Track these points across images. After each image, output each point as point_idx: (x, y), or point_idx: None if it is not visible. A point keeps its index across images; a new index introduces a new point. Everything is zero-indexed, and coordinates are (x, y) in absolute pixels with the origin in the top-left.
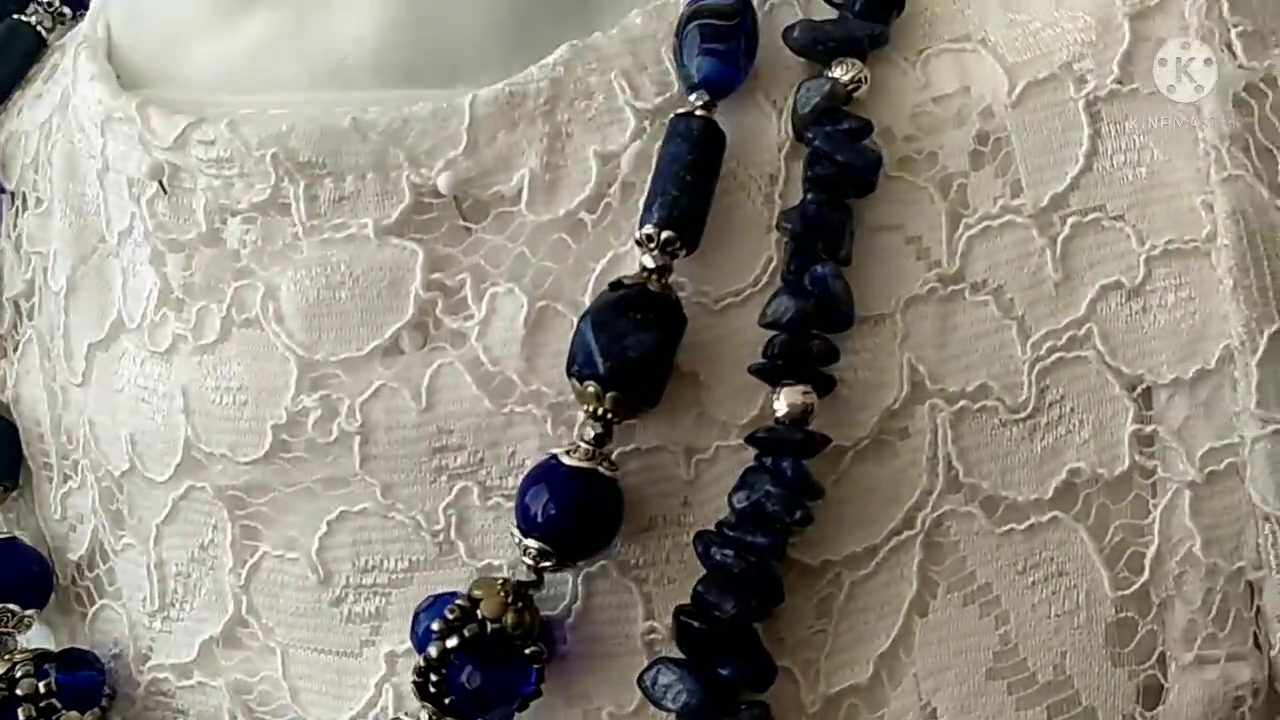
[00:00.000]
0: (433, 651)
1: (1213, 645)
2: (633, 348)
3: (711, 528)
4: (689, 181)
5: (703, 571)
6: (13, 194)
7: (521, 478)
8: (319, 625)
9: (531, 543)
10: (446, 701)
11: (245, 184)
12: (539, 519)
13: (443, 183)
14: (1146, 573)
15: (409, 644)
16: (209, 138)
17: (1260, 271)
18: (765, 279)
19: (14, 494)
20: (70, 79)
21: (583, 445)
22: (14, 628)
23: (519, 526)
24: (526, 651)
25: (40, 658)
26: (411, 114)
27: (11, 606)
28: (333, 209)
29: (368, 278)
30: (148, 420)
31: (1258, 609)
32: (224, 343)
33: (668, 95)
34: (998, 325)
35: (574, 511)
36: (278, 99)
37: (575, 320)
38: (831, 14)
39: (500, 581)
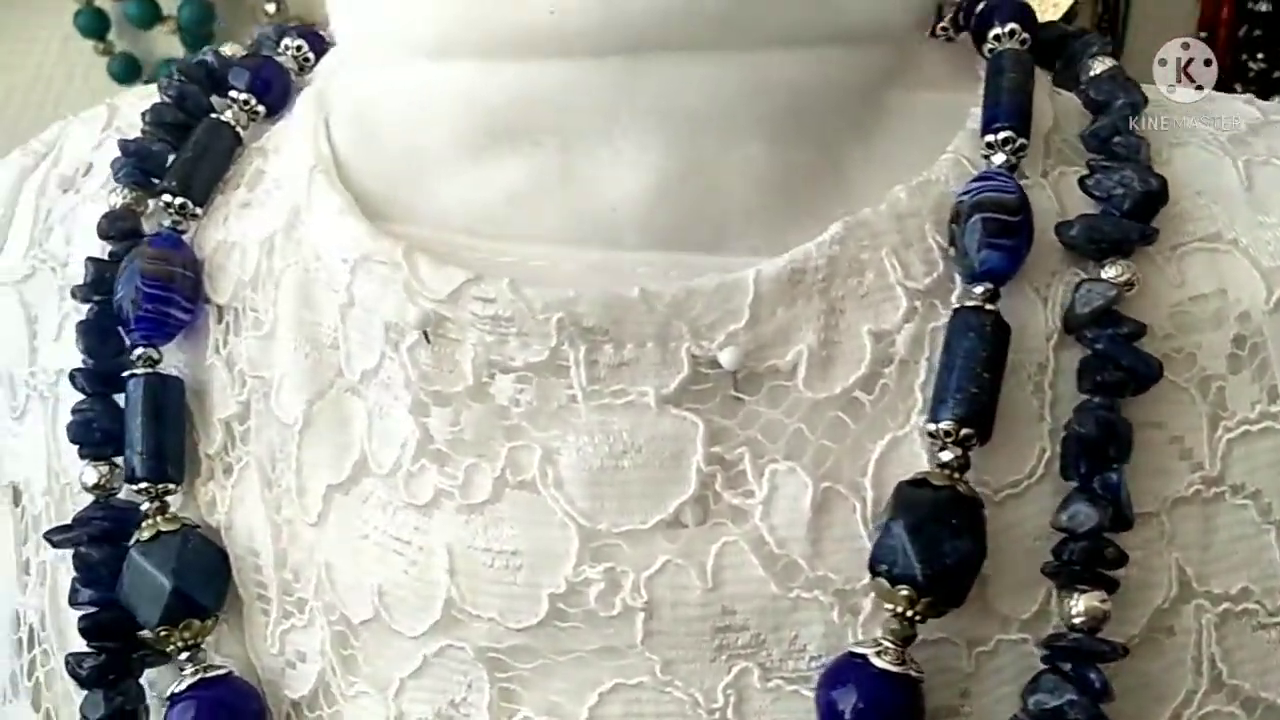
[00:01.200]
0: None
1: None
2: (950, 554)
3: None
4: (985, 378)
5: None
6: (220, 308)
7: (804, 662)
8: None
9: None
10: None
11: (521, 343)
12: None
13: (727, 357)
14: None
15: None
16: (488, 295)
17: None
18: (1041, 470)
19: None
20: (302, 201)
21: (890, 646)
22: None
23: None
24: None
25: None
26: (696, 286)
27: None
28: (611, 375)
29: (650, 448)
30: (401, 573)
31: None
32: (495, 503)
33: (934, 275)
34: (1257, 529)
35: (883, 714)
36: (538, 250)
37: (856, 503)
38: (1088, 203)
39: None
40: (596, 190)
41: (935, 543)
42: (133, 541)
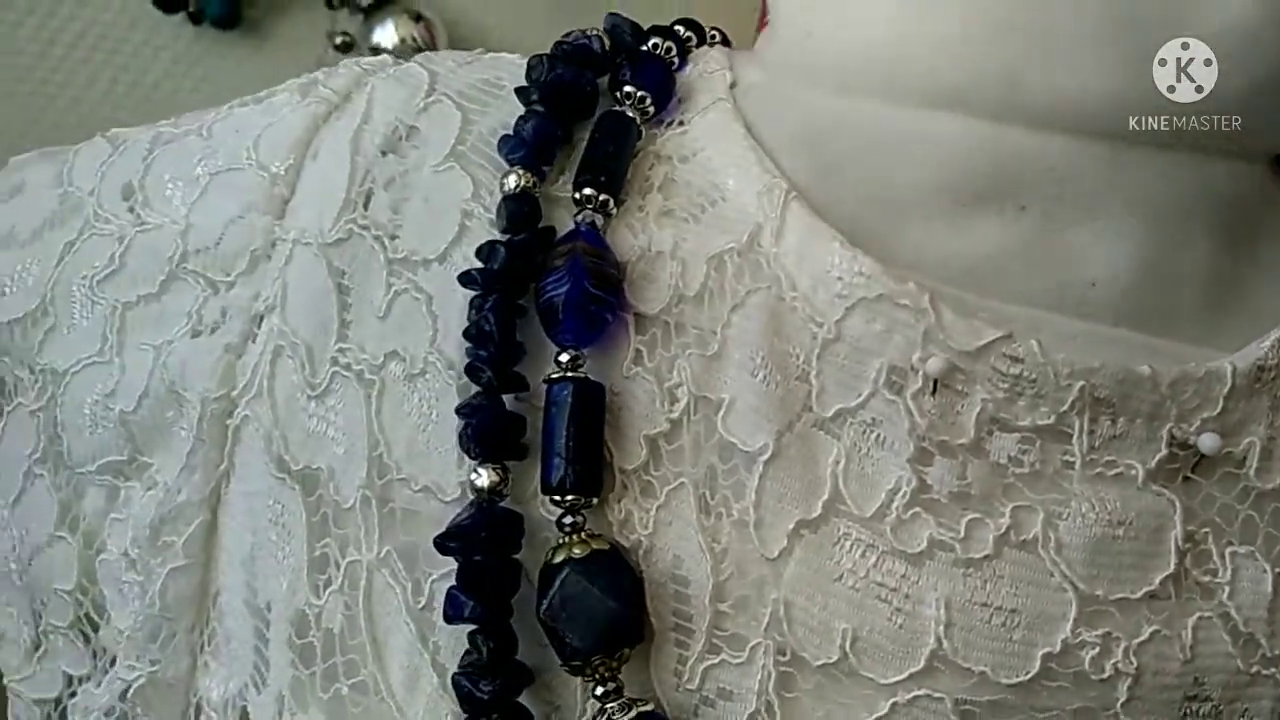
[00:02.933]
0: None
1: None
2: None
3: None
4: None
5: None
6: (641, 317)
7: None
8: None
9: None
10: None
11: (1030, 404)
12: None
13: (1208, 443)
14: None
15: None
16: (1018, 355)
17: None
18: None
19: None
20: (766, 222)
21: None
22: None
23: None
24: None
25: None
26: (1189, 372)
27: None
28: (1105, 446)
29: (1140, 522)
30: (883, 620)
31: None
32: (995, 560)
33: None
34: None
35: None
36: (1015, 311)
37: None
38: None
39: None
40: (1078, 264)
41: None
42: (558, 558)
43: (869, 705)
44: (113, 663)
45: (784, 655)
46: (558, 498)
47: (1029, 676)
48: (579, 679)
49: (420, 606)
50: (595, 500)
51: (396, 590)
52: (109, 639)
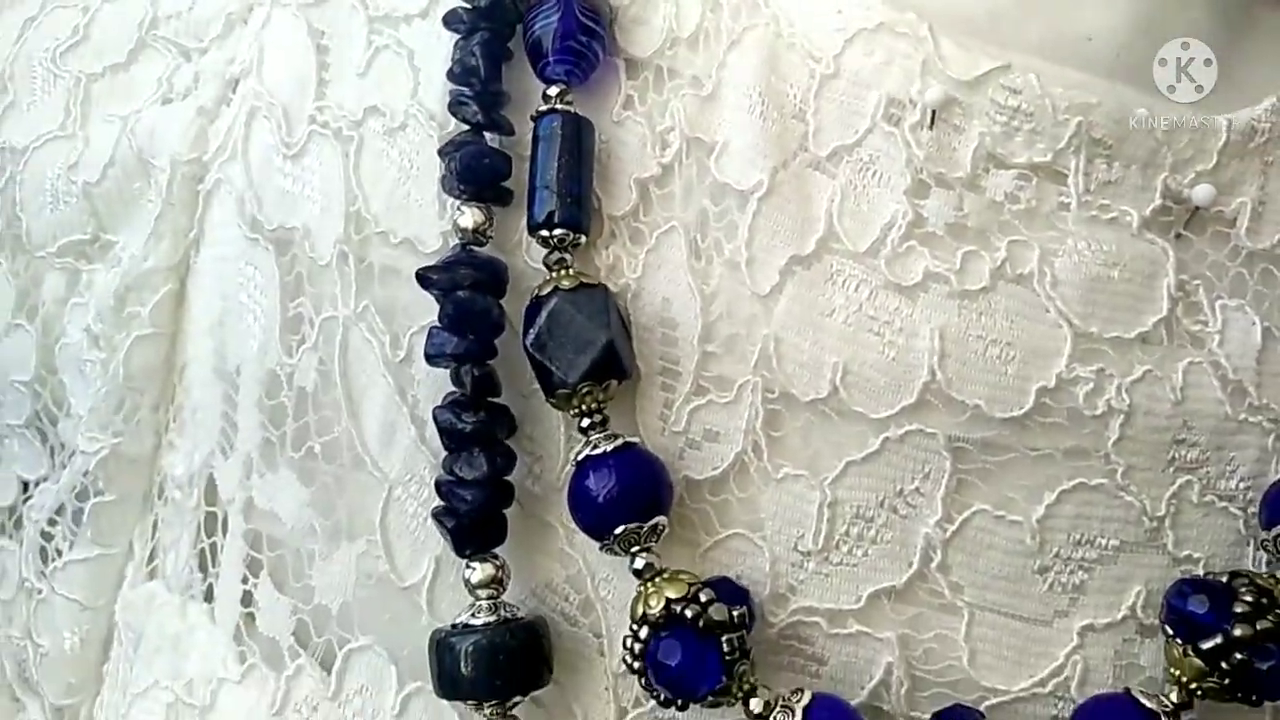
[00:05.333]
0: (1238, 633)
1: None
2: None
3: None
4: None
5: None
6: (631, 61)
7: (1234, 482)
8: (1016, 591)
9: None
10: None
11: (1027, 140)
12: None
13: (1201, 194)
14: None
15: (1106, 619)
16: (1015, 86)
17: None
18: None
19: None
20: None
21: None
22: (650, 541)
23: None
24: None
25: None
26: (1183, 121)
27: (656, 522)
28: (1100, 190)
29: (1133, 265)
30: (874, 353)
31: None
32: (990, 294)
33: None
34: None
35: None
36: (1014, 58)
37: None
38: None
39: None
40: (1074, 17)
41: None
42: (545, 290)
43: (859, 442)
44: (71, 457)
45: (772, 393)
46: (545, 234)
47: (1023, 411)
48: (562, 419)
49: (399, 360)
50: (583, 240)
51: (374, 344)
52: (68, 432)
